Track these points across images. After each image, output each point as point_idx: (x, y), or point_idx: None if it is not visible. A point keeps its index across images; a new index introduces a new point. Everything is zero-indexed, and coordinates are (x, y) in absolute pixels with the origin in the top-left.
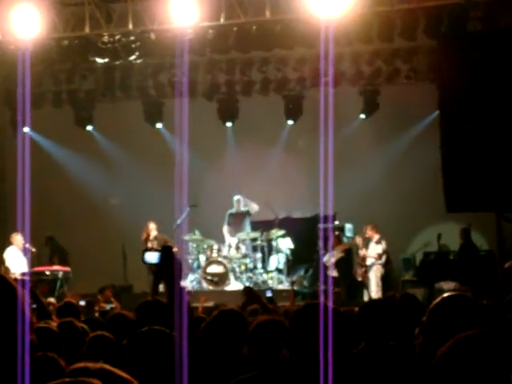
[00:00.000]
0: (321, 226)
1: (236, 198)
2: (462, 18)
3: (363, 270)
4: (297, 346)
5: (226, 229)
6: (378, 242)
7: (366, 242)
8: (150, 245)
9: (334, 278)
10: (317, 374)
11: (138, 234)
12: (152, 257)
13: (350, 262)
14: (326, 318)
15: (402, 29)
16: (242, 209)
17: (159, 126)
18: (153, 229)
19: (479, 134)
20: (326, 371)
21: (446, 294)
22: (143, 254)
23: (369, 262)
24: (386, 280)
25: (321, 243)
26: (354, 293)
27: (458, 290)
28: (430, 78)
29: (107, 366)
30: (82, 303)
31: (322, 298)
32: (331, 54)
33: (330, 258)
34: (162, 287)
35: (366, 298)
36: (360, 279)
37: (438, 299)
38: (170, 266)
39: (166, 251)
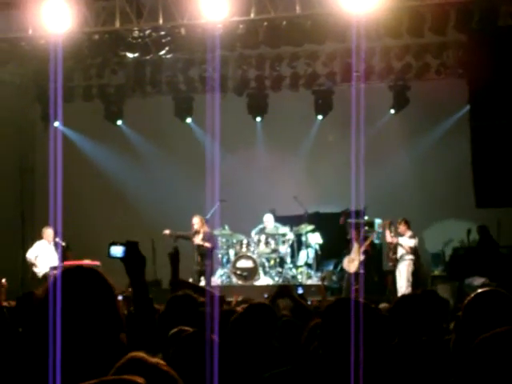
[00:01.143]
0: (352, 220)
1: (266, 216)
2: (493, 13)
3: (393, 256)
4: (329, 341)
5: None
6: (412, 237)
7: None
8: (195, 240)
9: (356, 274)
10: (348, 368)
11: (167, 227)
12: (117, 251)
13: (374, 258)
14: (357, 313)
15: (432, 24)
16: (269, 230)
17: (189, 120)
18: (195, 223)
19: (509, 130)
20: (356, 366)
21: (480, 290)
22: (108, 248)
23: (399, 252)
24: (415, 275)
25: (352, 236)
26: (376, 289)
27: (487, 286)
28: (459, 73)
29: (162, 362)
30: (120, 298)
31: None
32: (362, 49)
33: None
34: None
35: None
36: (390, 264)
37: (473, 295)
38: (134, 261)
39: (130, 246)
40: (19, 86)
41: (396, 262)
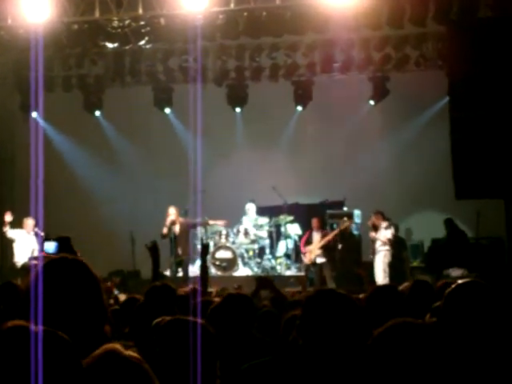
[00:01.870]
0: (332, 211)
1: (248, 205)
2: (473, 4)
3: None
4: (308, 332)
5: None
6: (388, 228)
7: (374, 229)
8: (165, 231)
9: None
10: (329, 360)
11: (145, 219)
12: (49, 246)
13: (353, 249)
14: (336, 304)
15: (412, 15)
16: (248, 220)
17: (168, 111)
18: (171, 214)
19: (488, 121)
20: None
21: (460, 281)
22: (42, 244)
23: (377, 245)
24: (396, 267)
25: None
26: (354, 281)
27: (466, 277)
28: (439, 64)
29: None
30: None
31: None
32: (341, 40)
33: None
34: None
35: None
36: (371, 256)
37: (454, 285)
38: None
39: (62, 241)
40: None
41: (374, 254)
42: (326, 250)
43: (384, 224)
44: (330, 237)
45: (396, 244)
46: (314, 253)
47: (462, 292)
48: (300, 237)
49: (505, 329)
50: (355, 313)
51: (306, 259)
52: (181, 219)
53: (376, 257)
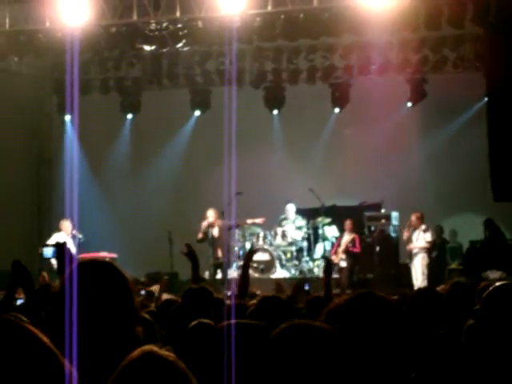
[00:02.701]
0: (370, 213)
1: (288, 206)
2: (510, 6)
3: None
4: (348, 335)
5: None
6: (426, 231)
7: (411, 232)
8: (200, 236)
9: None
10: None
11: (183, 220)
12: (48, 252)
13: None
14: (376, 307)
15: (450, 16)
16: (287, 222)
17: (206, 113)
18: (210, 216)
19: None
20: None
21: (498, 283)
22: (42, 249)
23: (415, 250)
24: (433, 269)
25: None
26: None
27: (504, 280)
28: (477, 66)
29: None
30: (143, 293)
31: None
32: (380, 42)
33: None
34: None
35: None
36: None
37: (491, 288)
38: (62, 262)
39: (59, 247)
40: (36, 78)
41: (411, 256)
42: (349, 254)
43: (423, 226)
44: (343, 246)
45: (438, 246)
46: (339, 256)
47: (499, 294)
48: (337, 238)
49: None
50: (394, 316)
51: (335, 261)
52: (219, 221)
53: (415, 259)
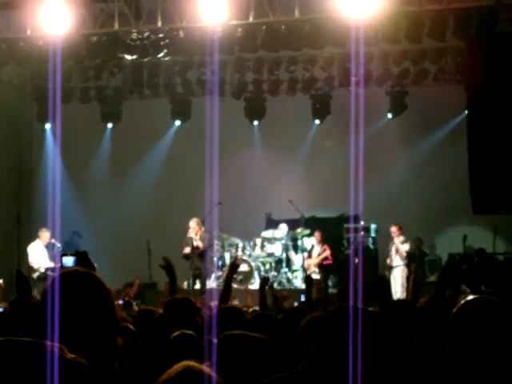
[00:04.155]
0: (350, 225)
1: (281, 225)
2: (492, 19)
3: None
4: (330, 347)
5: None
6: (404, 242)
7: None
8: (186, 251)
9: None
10: (348, 374)
11: (162, 230)
12: (68, 261)
13: (369, 263)
14: (357, 320)
15: (431, 29)
16: (264, 234)
17: (186, 123)
18: (191, 226)
19: (506, 136)
20: (355, 372)
21: (469, 297)
22: (60, 259)
23: (395, 263)
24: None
25: (351, 243)
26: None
27: (483, 293)
28: (458, 79)
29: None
30: (120, 302)
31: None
32: (361, 54)
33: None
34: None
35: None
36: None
37: (462, 302)
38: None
39: (79, 256)
40: (16, 86)
41: (391, 268)
42: (321, 268)
43: (401, 238)
44: (317, 260)
45: (417, 258)
46: (310, 269)
47: (469, 309)
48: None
49: None
50: (375, 328)
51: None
52: (201, 232)
53: (394, 271)
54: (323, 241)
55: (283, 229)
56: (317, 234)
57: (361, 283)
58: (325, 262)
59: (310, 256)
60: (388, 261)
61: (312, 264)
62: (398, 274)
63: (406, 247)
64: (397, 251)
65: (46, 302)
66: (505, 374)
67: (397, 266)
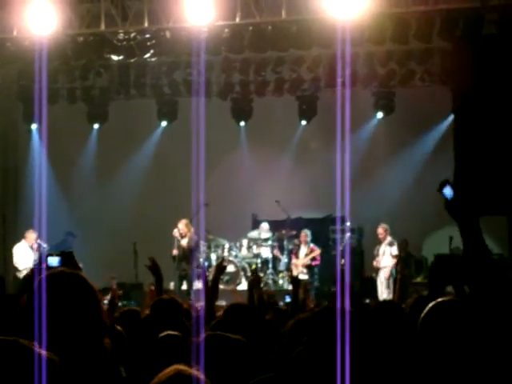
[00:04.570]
0: (337, 227)
1: (262, 225)
2: (478, 21)
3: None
4: (316, 348)
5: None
6: (392, 244)
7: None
8: (175, 252)
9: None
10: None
11: (148, 231)
12: (53, 261)
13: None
14: (344, 321)
15: (417, 30)
16: (251, 235)
17: (173, 123)
18: (180, 227)
19: (492, 137)
20: (342, 374)
21: (439, 299)
22: (46, 258)
23: (382, 264)
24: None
25: (337, 244)
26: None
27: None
28: (444, 80)
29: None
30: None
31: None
32: (347, 55)
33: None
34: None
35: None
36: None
37: (431, 305)
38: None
39: (65, 256)
40: (2, 86)
41: (378, 269)
42: (310, 268)
43: (389, 238)
44: (305, 260)
45: (403, 260)
46: (297, 269)
47: (437, 311)
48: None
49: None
50: (363, 330)
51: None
52: (189, 233)
53: (380, 273)
54: (309, 241)
55: (265, 227)
56: (303, 234)
57: (348, 284)
58: (314, 263)
59: (296, 256)
60: (375, 262)
61: (300, 264)
62: (384, 276)
63: (394, 249)
64: (384, 253)
65: (32, 303)
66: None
67: (384, 268)
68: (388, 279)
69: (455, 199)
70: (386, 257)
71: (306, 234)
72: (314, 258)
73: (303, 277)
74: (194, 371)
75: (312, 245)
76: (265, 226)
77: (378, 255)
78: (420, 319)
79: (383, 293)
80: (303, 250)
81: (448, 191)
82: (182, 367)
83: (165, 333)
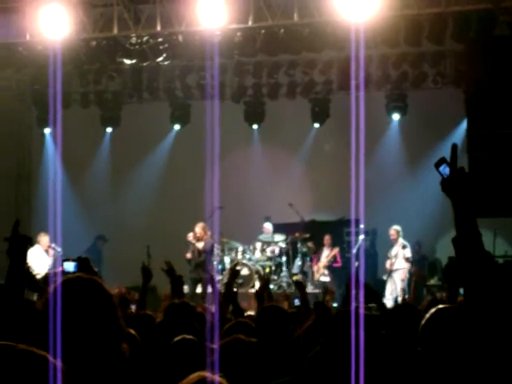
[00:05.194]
0: (351, 229)
1: (266, 225)
2: (490, 22)
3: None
4: (331, 352)
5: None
6: (405, 247)
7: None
8: (189, 255)
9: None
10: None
11: (162, 234)
12: (69, 266)
13: (368, 267)
14: (359, 325)
15: (430, 32)
16: (265, 238)
17: (186, 127)
18: (197, 231)
19: (505, 139)
20: (357, 377)
21: (440, 306)
22: (62, 263)
23: (395, 266)
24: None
25: (352, 246)
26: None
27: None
28: (456, 82)
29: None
30: None
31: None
32: (361, 58)
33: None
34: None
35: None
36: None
37: (433, 311)
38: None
39: (81, 262)
40: (16, 91)
41: (391, 272)
42: (331, 270)
43: (401, 241)
44: (324, 261)
45: (417, 262)
46: (319, 272)
47: (439, 318)
48: (315, 254)
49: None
50: (377, 334)
51: (315, 277)
52: (206, 236)
53: (394, 275)
54: (331, 244)
55: (268, 227)
56: (327, 237)
57: (363, 286)
58: (334, 264)
59: (318, 259)
60: (388, 264)
61: (321, 266)
62: (397, 278)
63: (407, 252)
64: (397, 255)
65: (48, 310)
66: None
67: (397, 270)
68: (403, 281)
69: (451, 177)
70: (400, 259)
71: (330, 237)
72: (334, 260)
73: (325, 279)
74: (217, 377)
75: (336, 248)
76: (267, 226)
77: (391, 257)
78: (420, 327)
79: (398, 295)
80: (325, 253)
81: (445, 169)
82: (205, 374)
83: (180, 337)
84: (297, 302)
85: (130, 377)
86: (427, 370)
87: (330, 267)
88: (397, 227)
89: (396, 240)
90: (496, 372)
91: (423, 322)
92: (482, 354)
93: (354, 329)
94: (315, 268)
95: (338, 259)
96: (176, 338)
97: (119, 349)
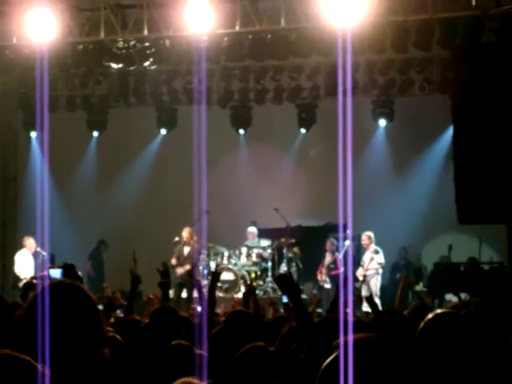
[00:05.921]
0: (339, 235)
1: (250, 229)
2: (477, 29)
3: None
4: (316, 358)
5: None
6: (377, 253)
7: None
8: (174, 261)
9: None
10: None
11: (148, 239)
12: (55, 273)
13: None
14: (346, 330)
15: (417, 39)
16: (250, 243)
17: (172, 131)
18: (184, 235)
19: (491, 146)
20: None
21: (438, 311)
22: (48, 270)
23: (369, 272)
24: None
25: (340, 253)
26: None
27: (468, 302)
28: (443, 89)
29: None
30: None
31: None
32: (348, 63)
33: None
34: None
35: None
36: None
37: (429, 317)
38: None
39: (67, 268)
40: (2, 94)
41: (364, 278)
42: (331, 277)
43: (373, 246)
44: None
45: (402, 267)
46: (322, 278)
47: (437, 323)
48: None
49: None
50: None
51: (320, 282)
52: (193, 242)
53: (370, 281)
54: (335, 250)
55: (252, 231)
56: (328, 243)
57: (351, 291)
58: (333, 272)
59: (323, 265)
60: (359, 272)
61: (324, 273)
62: (373, 284)
63: (379, 257)
64: (371, 260)
65: (30, 314)
66: None
67: (372, 275)
68: (376, 287)
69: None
70: (373, 264)
71: (332, 242)
72: (334, 267)
73: (327, 285)
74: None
75: (337, 254)
76: (251, 229)
77: (363, 264)
78: (418, 331)
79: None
80: (328, 258)
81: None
82: (190, 380)
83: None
84: (284, 299)
85: (111, 381)
86: (424, 376)
87: (330, 275)
88: (369, 233)
89: (368, 246)
90: (495, 377)
91: (421, 326)
92: (481, 359)
93: (342, 335)
94: (319, 275)
95: (338, 265)
96: (172, 343)
97: (101, 353)
